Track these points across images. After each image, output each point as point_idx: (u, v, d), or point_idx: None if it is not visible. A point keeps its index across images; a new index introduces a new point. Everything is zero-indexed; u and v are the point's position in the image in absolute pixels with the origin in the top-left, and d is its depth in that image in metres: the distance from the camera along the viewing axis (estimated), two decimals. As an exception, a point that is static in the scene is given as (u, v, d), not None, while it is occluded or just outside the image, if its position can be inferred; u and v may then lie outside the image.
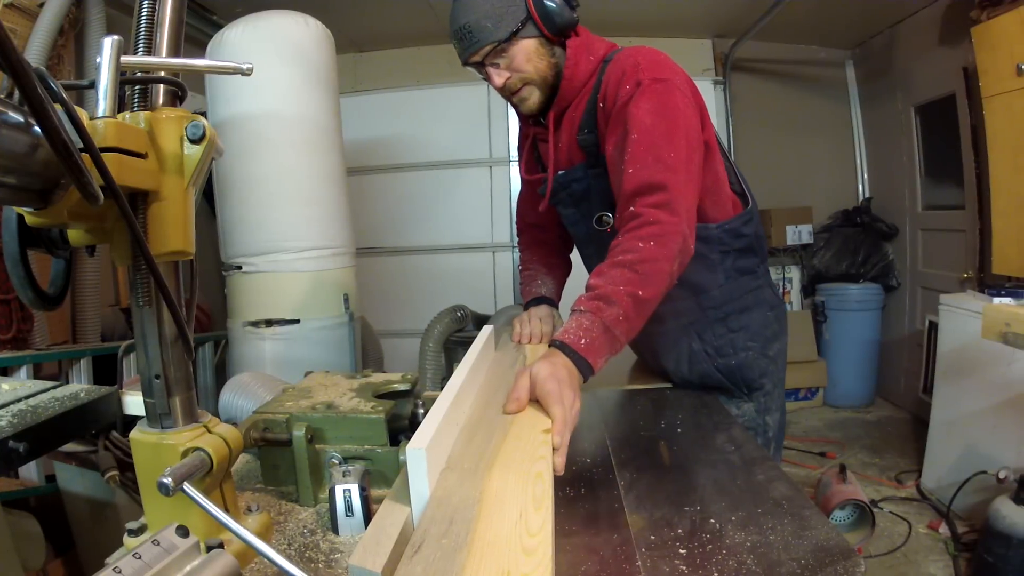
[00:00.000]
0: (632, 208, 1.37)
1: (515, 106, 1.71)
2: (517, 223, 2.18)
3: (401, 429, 1.19)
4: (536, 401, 1.11)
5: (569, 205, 1.76)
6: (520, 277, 2.05)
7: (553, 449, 0.98)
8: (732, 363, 1.67)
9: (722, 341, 1.67)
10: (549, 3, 1.50)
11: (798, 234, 5.42)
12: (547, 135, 1.70)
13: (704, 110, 1.58)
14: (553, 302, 1.95)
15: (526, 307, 1.93)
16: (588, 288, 1.33)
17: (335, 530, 0.99)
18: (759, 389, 1.70)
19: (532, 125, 1.78)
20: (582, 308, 1.29)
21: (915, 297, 5.08)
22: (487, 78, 1.63)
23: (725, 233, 1.62)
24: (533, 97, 1.63)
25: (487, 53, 1.56)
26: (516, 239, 5.94)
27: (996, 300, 2.89)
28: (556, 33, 1.55)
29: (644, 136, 1.40)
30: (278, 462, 1.15)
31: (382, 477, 1.12)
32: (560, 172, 1.70)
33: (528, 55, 1.56)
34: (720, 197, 1.63)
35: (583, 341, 1.23)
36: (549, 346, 1.25)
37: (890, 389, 5.34)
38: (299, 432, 1.08)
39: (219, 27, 3.48)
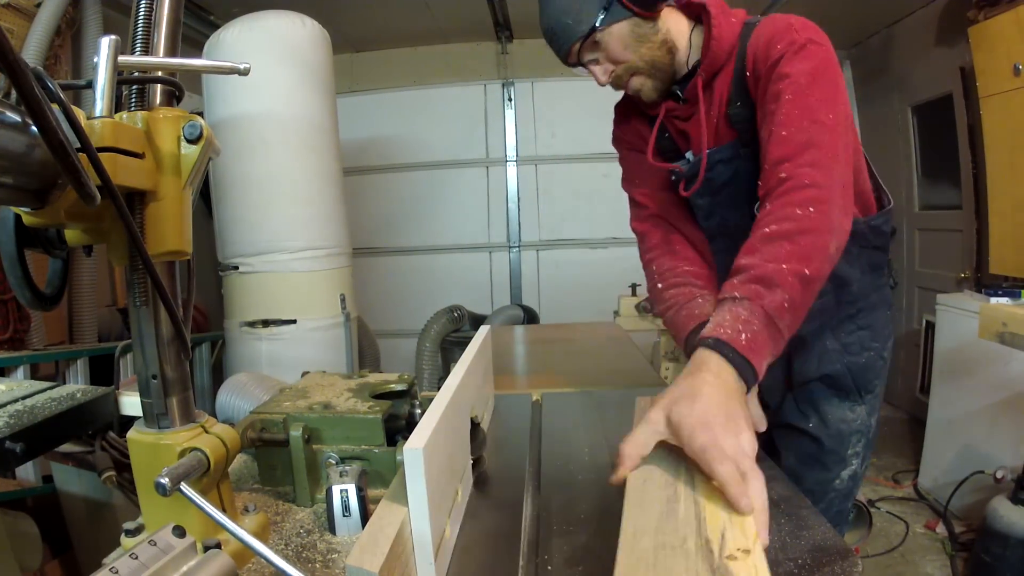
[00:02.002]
0: (783, 173, 1.15)
1: (637, 99, 1.48)
2: (636, 230, 1.63)
3: (398, 429, 1.19)
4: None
5: (705, 196, 1.49)
6: (660, 301, 1.49)
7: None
8: (858, 362, 1.52)
9: (851, 339, 1.51)
10: None
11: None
12: (684, 111, 1.46)
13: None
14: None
15: (688, 341, 1.32)
16: (739, 269, 1.08)
17: (332, 530, 0.99)
18: (871, 392, 1.55)
19: (660, 103, 1.48)
20: (736, 295, 1.03)
21: (912, 297, 5.09)
22: (596, 80, 1.42)
23: (870, 229, 1.48)
24: (645, 86, 1.42)
25: (577, 52, 1.37)
26: (512, 240, 5.89)
27: (993, 300, 2.89)
28: (649, 8, 1.33)
29: (799, 97, 1.20)
30: (275, 462, 1.15)
31: (379, 477, 1.12)
32: (710, 150, 1.42)
33: (624, 41, 1.35)
34: (860, 190, 1.44)
35: (743, 336, 0.96)
36: (696, 345, 0.99)
37: (887, 389, 5.29)
38: (296, 432, 1.08)
39: (216, 27, 3.48)
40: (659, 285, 1.49)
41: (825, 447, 1.55)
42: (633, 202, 1.64)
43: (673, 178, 1.50)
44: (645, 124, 1.57)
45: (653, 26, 1.36)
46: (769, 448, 1.60)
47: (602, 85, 1.43)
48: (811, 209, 1.08)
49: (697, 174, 1.41)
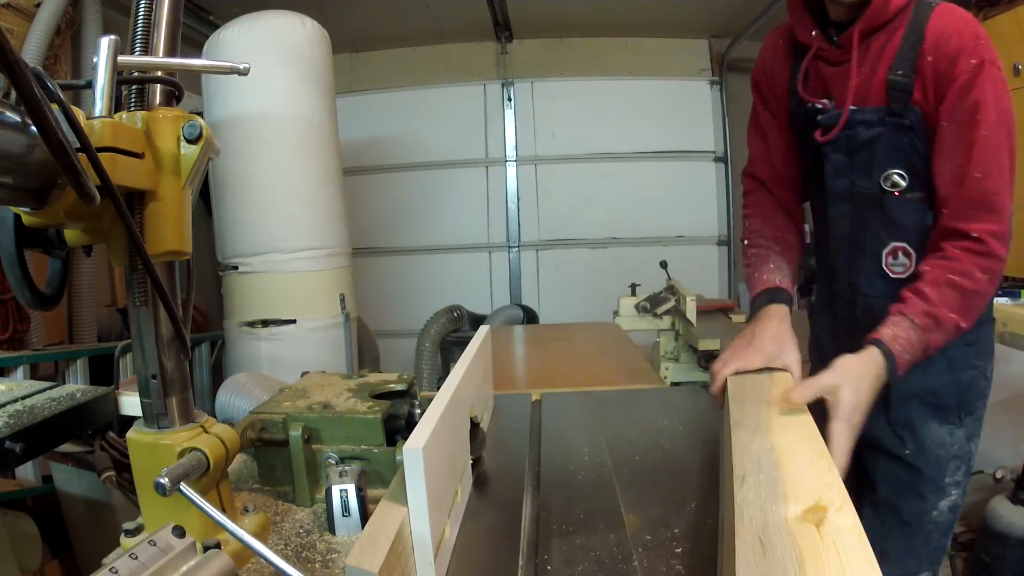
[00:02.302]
0: (979, 235, 1.23)
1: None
2: (745, 182, 1.73)
3: (398, 429, 1.19)
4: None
5: (841, 151, 1.45)
6: (744, 256, 1.64)
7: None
8: (962, 379, 1.49)
9: (957, 352, 1.46)
10: None
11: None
12: (838, 55, 1.41)
13: None
14: (788, 297, 1.49)
15: (754, 303, 1.49)
16: (919, 293, 1.23)
17: (332, 530, 0.99)
18: (972, 414, 1.50)
19: (818, 37, 1.43)
20: (916, 321, 1.21)
21: (911, 297, 5.08)
22: None
23: None
24: (840, 7, 1.37)
25: None
26: (512, 240, 5.90)
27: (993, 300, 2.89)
28: None
29: (994, 137, 1.24)
30: (275, 462, 1.15)
31: (379, 477, 1.12)
32: (853, 107, 1.39)
33: None
34: None
35: (907, 357, 1.19)
36: (870, 343, 1.20)
37: (887, 389, 5.34)
38: (296, 432, 1.08)
39: (216, 27, 3.48)
40: (745, 242, 1.64)
41: (923, 475, 1.47)
42: (751, 154, 1.70)
43: (819, 118, 1.45)
44: (788, 69, 1.54)
45: None
46: (859, 472, 1.57)
47: None
48: (987, 278, 1.24)
49: (834, 126, 1.41)
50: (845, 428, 1.11)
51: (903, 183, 1.38)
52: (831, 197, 1.54)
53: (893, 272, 1.44)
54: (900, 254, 1.42)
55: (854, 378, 1.15)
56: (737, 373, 1.29)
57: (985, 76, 1.24)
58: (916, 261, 1.39)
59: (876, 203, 1.43)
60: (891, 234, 1.42)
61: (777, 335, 1.35)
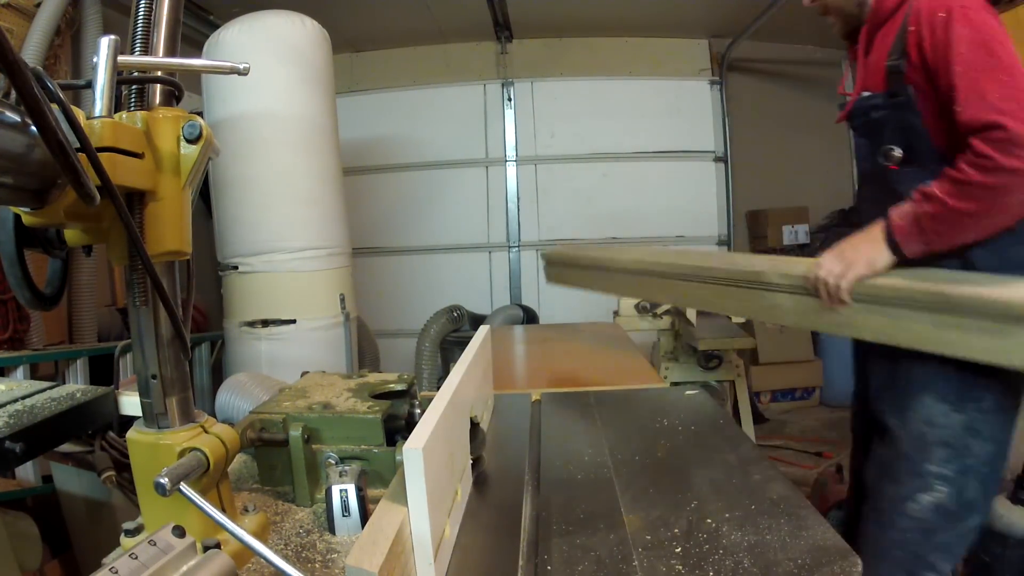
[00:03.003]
0: (968, 140, 1.38)
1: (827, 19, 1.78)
2: None
3: (397, 429, 1.19)
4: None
5: (863, 134, 1.71)
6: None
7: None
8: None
9: None
10: None
11: (795, 234, 5.43)
12: (857, 53, 1.71)
13: None
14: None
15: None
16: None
17: (332, 530, 0.99)
18: (976, 401, 1.44)
19: (848, 42, 1.78)
20: (913, 196, 1.44)
21: (911, 297, 5.08)
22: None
23: None
24: (836, 25, 1.75)
25: None
26: (512, 240, 5.89)
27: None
28: None
29: (966, 67, 1.39)
30: (275, 462, 1.15)
31: (378, 477, 1.12)
32: (864, 94, 1.66)
33: None
34: None
35: (896, 217, 1.45)
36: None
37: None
38: (296, 432, 1.08)
39: (216, 27, 3.48)
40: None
41: (900, 450, 1.45)
42: None
43: (839, 104, 1.78)
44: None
45: None
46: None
47: (806, 4, 1.74)
48: (977, 171, 1.36)
49: (854, 114, 1.69)
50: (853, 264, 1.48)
51: (898, 155, 1.57)
52: (861, 180, 1.87)
53: None
54: None
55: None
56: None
57: (955, 19, 1.40)
58: None
59: (880, 179, 1.64)
60: (900, 201, 1.51)
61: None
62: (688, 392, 1.69)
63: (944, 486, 1.43)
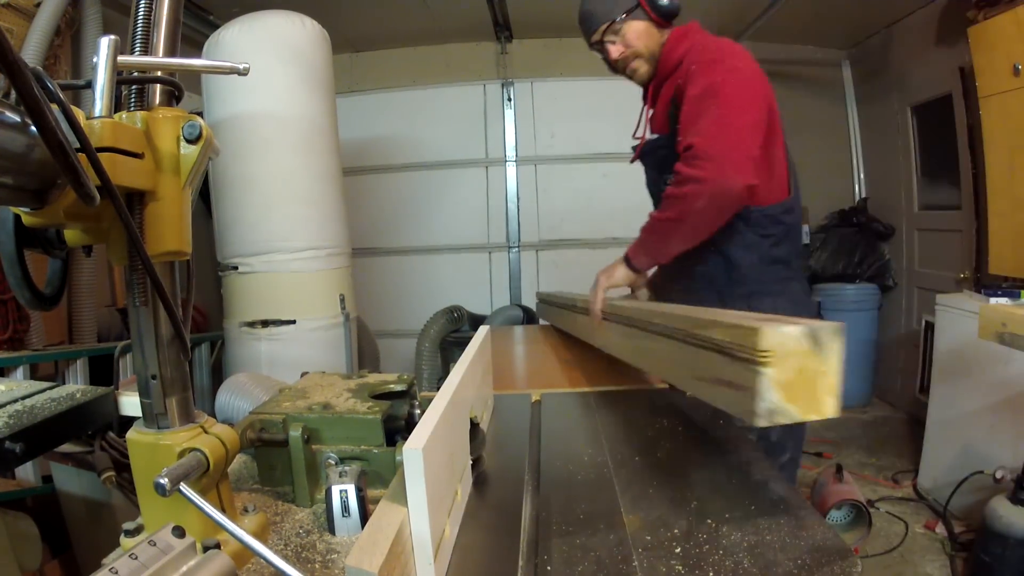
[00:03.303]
0: (676, 165, 1.70)
1: (628, 77, 2.05)
2: None
3: (397, 429, 1.19)
4: None
5: (653, 168, 2.05)
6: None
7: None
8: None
9: (733, 289, 1.90)
10: None
11: (800, 244, 5.43)
12: (648, 105, 2.03)
13: (771, 93, 1.81)
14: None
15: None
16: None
17: (331, 530, 0.99)
18: None
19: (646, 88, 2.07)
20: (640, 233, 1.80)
21: (912, 297, 5.09)
22: (606, 55, 2.00)
23: (765, 218, 1.85)
24: (642, 69, 1.99)
25: (604, 31, 1.94)
26: (512, 240, 5.92)
27: (993, 300, 2.89)
28: (662, 17, 1.92)
29: (689, 107, 1.71)
30: (274, 462, 1.15)
31: (378, 477, 1.12)
32: (651, 139, 2.03)
33: (638, 34, 1.93)
34: (773, 183, 1.86)
35: (633, 251, 1.81)
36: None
37: (887, 389, 5.35)
38: (295, 432, 1.08)
39: (216, 27, 3.48)
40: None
41: (722, 413, 1.63)
42: None
43: (631, 148, 2.14)
44: None
45: (657, 32, 1.95)
46: None
47: (610, 61, 2.01)
48: (675, 186, 1.71)
49: (645, 151, 2.06)
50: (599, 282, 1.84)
51: None
52: (655, 204, 2.06)
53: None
54: None
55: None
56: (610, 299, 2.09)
57: (700, 71, 1.74)
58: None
59: None
60: None
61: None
62: (689, 393, 1.68)
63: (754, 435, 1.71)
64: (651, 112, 2.03)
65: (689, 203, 1.66)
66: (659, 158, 1.96)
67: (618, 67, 2.02)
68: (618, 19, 1.91)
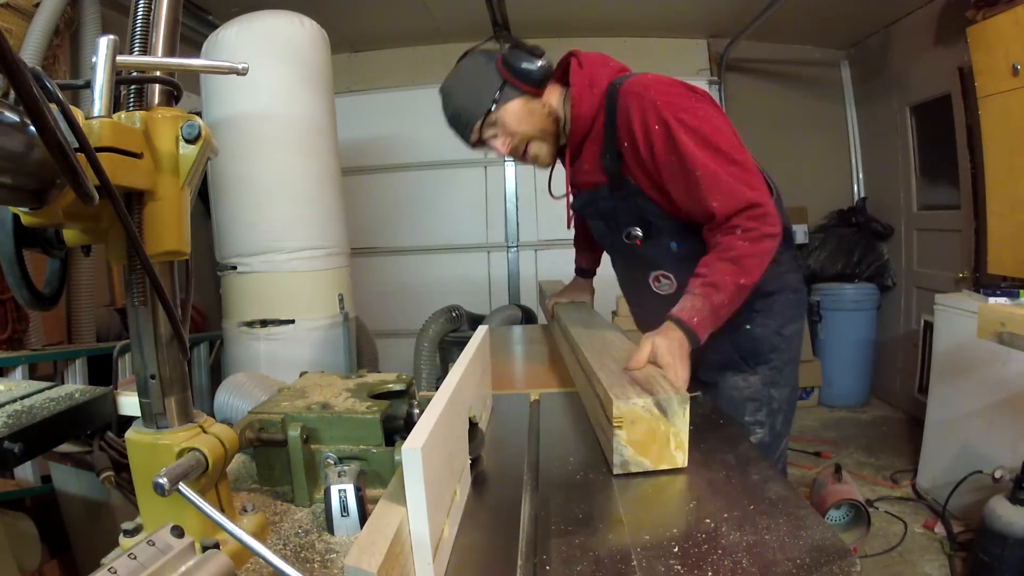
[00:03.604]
0: (731, 223, 1.52)
1: (532, 164, 1.83)
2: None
3: (396, 429, 1.19)
4: (653, 363, 1.39)
5: (597, 219, 1.93)
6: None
7: None
8: (747, 337, 1.79)
9: (742, 317, 1.73)
10: (518, 64, 1.64)
11: (793, 234, 5.43)
12: (567, 161, 1.84)
13: (720, 108, 1.71)
14: (590, 273, 2.49)
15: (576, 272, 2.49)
16: (697, 275, 1.53)
17: (331, 530, 0.99)
18: (766, 363, 1.80)
19: (554, 161, 1.89)
20: (696, 291, 1.50)
21: (910, 297, 5.10)
22: (494, 151, 1.75)
23: None
24: (542, 151, 1.78)
25: (479, 130, 1.70)
26: (511, 240, 5.93)
27: (992, 300, 2.89)
28: (536, 85, 1.68)
29: (705, 170, 1.53)
30: (273, 462, 1.15)
31: (377, 477, 1.12)
32: (586, 191, 1.87)
33: (518, 116, 1.69)
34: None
35: (695, 319, 1.47)
36: (667, 319, 1.49)
37: (886, 389, 5.35)
38: (294, 432, 1.08)
39: (214, 27, 3.48)
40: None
41: (723, 414, 1.62)
42: None
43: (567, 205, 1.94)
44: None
45: (540, 102, 1.71)
46: None
47: (502, 155, 1.75)
48: (749, 242, 1.51)
49: (582, 206, 1.95)
50: (665, 353, 1.40)
51: (639, 234, 1.78)
52: (611, 251, 2.11)
53: (661, 291, 1.84)
54: (662, 279, 1.83)
55: (657, 334, 1.44)
56: (557, 303, 2.31)
57: (674, 131, 1.55)
58: (677, 279, 1.79)
59: (627, 251, 1.87)
60: (651, 267, 1.84)
61: (580, 288, 2.42)
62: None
63: (762, 429, 1.78)
64: (571, 170, 1.85)
65: (768, 259, 1.56)
66: (603, 210, 1.85)
67: (514, 158, 1.80)
68: (492, 109, 1.67)
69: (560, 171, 1.91)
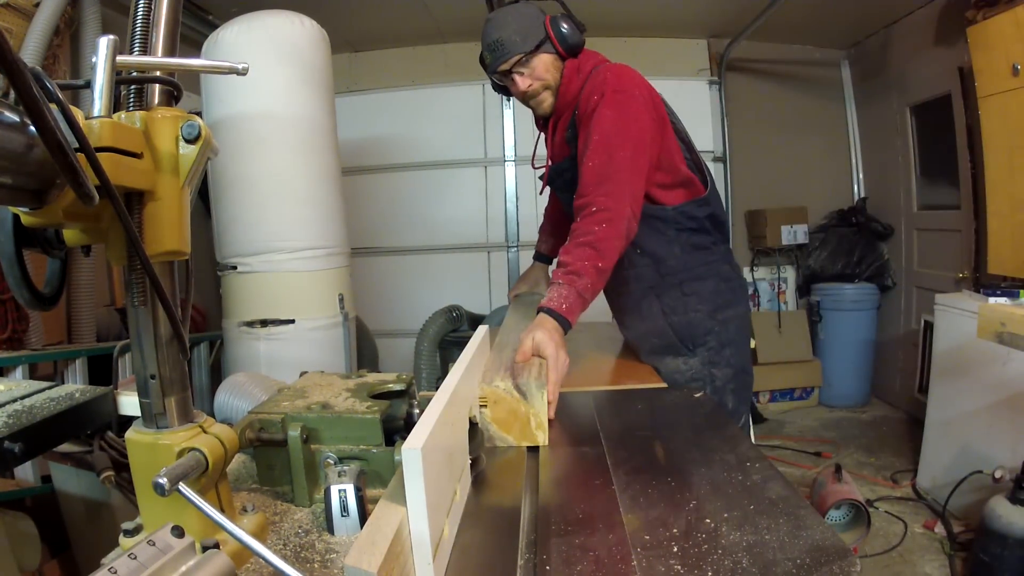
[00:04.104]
0: (587, 197, 1.75)
1: (533, 108, 2.05)
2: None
3: (396, 429, 1.19)
4: (538, 355, 1.55)
5: (564, 191, 2.06)
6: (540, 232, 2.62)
7: (548, 403, 1.41)
8: (682, 321, 1.99)
9: (676, 303, 1.99)
10: (563, 27, 1.90)
11: (793, 234, 5.44)
12: (548, 135, 2.11)
13: (663, 115, 1.91)
14: (548, 259, 2.58)
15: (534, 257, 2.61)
16: (560, 264, 1.72)
17: (331, 530, 0.99)
18: (703, 345, 1.99)
19: (542, 127, 2.16)
20: (560, 281, 1.68)
21: (910, 297, 5.10)
22: (511, 84, 1.97)
23: (679, 215, 1.96)
24: (548, 101, 2.00)
25: (515, 63, 1.91)
26: (511, 239, 5.96)
27: (992, 300, 2.89)
28: (568, 52, 1.93)
29: (602, 137, 1.76)
30: (273, 462, 1.15)
31: (377, 477, 1.12)
32: (554, 164, 2.11)
33: (547, 66, 1.93)
34: (675, 183, 1.95)
35: (564, 306, 1.63)
36: (537, 312, 1.65)
37: (886, 389, 5.35)
38: (294, 432, 1.08)
39: (215, 27, 3.48)
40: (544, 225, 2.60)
41: (722, 413, 1.70)
42: None
43: (540, 176, 2.21)
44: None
45: (562, 64, 1.96)
46: None
47: (518, 92, 1.98)
48: (604, 225, 1.70)
49: (551, 178, 2.15)
50: (547, 344, 1.55)
51: None
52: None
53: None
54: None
55: (535, 327, 1.59)
56: (517, 295, 2.46)
57: (603, 103, 1.79)
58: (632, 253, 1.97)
59: None
60: None
61: (536, 273, 2.54)
62: (688, 392, 1.69)
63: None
64: (549, 142, 2.11)
65: (613, 242, 1.74)
66: (566, 181, 2.02)
67: (524, 98, 2.01)
68: (533, 51, 1.90)
69: (543, 149, 2.23)
